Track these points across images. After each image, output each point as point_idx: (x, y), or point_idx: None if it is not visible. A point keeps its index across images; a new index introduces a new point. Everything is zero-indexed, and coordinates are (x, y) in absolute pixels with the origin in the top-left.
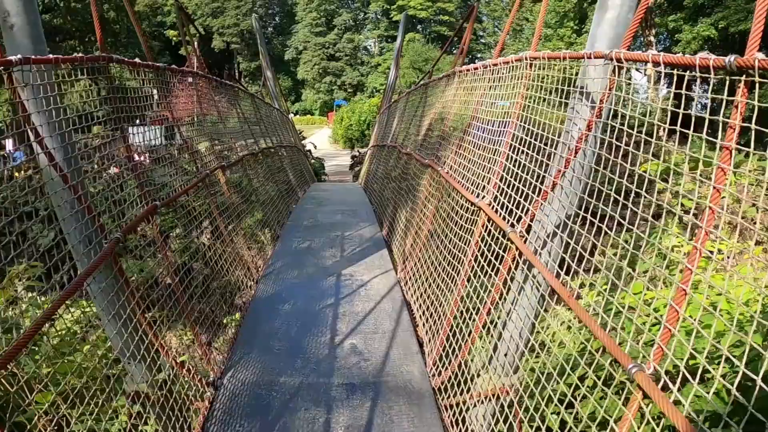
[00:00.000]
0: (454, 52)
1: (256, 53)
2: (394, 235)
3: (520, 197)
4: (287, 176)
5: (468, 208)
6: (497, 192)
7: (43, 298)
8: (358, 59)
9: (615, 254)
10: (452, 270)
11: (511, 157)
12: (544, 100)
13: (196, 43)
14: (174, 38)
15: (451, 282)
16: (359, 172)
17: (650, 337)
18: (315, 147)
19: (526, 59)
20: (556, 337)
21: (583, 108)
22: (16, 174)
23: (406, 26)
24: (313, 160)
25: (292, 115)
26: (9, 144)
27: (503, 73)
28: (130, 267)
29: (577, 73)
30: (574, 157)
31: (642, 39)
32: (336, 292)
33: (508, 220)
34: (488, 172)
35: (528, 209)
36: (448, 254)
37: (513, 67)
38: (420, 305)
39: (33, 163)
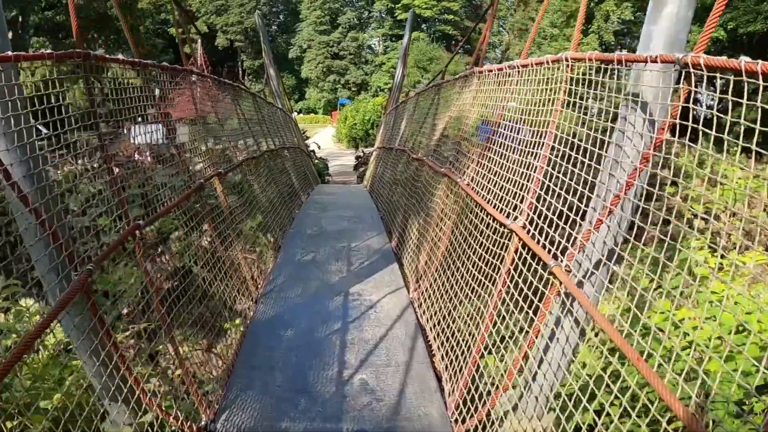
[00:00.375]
0: (460, 51)
1: (260, 51)
2: (405, 248)
3: (561, 220)
4: (290, 179)
5: (496, 228)
6: (532, 213)
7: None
8: (362, 58)
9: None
10: (477, 298)
11: (549, 172)
12: (587, 109)
13: (199, 41)
14: (178, 36)
15: (476, 313)
16: (364, 173)
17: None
18: (319, 147)
19: (565, 60)
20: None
21: (638, 119)
22: None
23: (413, 25)
24: (316, 161)
25: (295, 114)
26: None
27: (534, 76)
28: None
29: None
30: (636, 178)
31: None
32: (343, 314)
33: (548, 248)
34: (521, 189)
35: (573, 238)
36: (472, 279)
37: (548, 69)
38: (437, 333)
39: None
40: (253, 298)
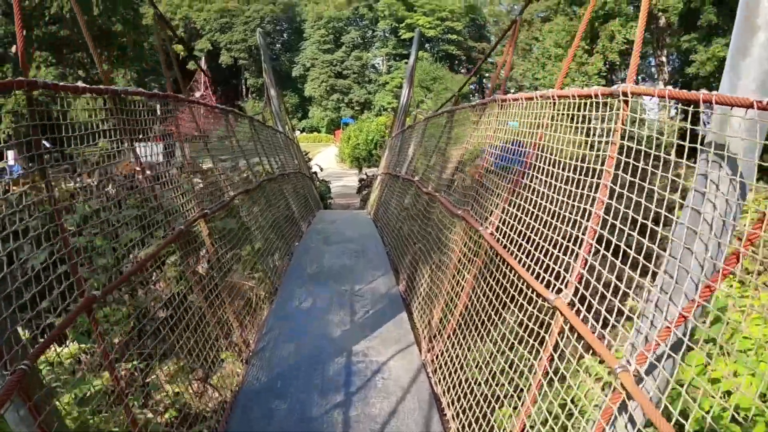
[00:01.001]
0: (462, 72)
1: (264, 69)
2: (415, 295)
3: (619, 299)
4: (289, 208)
5: (533, 299)
6: (579, 283)
7: None
8: (365, 77)
9: None
10: (505, 378)
11: (602, 235)
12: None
13: (202, 59)
14: (182, 53)
15: (508, 396)
16: (367, 196)
17: None
18: (321, 169)
19: (623, 95)
20: None
21: (723, 179)
22: (14, 188)
23: (420, 44)
24: (318, 183)
25: (298, 132)
26: (11, 156)
27: (576, 111)
28: None
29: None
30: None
31: (654, 60)
32: (346, 381)
33: (608, 339)
34: (566, 252)
35: (644, 335)
36: (499, 354)
37: (596, 104)
38: (457, 411)
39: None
40: (243, 358)
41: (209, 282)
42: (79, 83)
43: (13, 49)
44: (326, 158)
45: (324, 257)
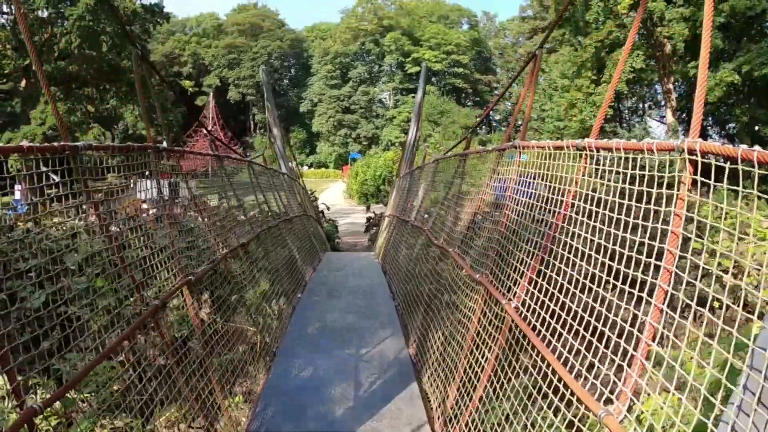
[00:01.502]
0: (469, 104)
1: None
2: (427, 362)
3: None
4: (292, 257)
5: (571, 401)
6: (636, 397)
7: None
8: (373, 112)
9: None
10: None
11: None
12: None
13: (211, 95)
14: (190, 88)
15: None
16: (375, 235)
17: None
18: (328, 208)
19: (688, 152)
20: None
21: None
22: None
23: (427, 78)
24: (326, 224)
25: (305, 167)
26: (17, 191)
27: (620, 167)
28: None
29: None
30: None
31: (661, 86)
32: None
33: None
34: (616, 351)
35: None
36: None
37: (650, 162)
38: None
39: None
40: None
41: (193, 361)
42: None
43: (23, 83)
44: (334, 194)
45: (328, 314)
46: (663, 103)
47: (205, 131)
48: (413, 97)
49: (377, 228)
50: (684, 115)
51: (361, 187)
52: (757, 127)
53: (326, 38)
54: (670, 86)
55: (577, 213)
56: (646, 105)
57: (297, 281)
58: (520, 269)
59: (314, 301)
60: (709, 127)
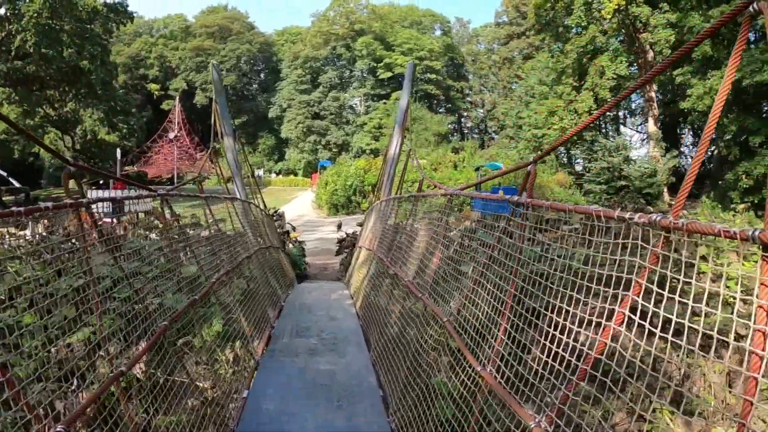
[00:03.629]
0: (441, 111)
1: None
2: None
3: None
4: (252, 310)
5: None
6: None
7: None
8: (343, 118)
9: None
10: None
11: None
12: None
13: (177, 98)
14: (156, 92)
15: None
16: (347, 260)
17: None
18: (294, 229)
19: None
20: None
21: None
22: None
23: (413, 81)
24: (292, 247)
25: (274, 175)
26: None
27: None
28: None
29: None
30: None
31: (643, 95)
32: None
33: None
34: None
35: None
36: None
37: None
38: None
39: None
40: None
41: None
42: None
43: None
44: (302, 204)
45: (290, 403)
46: (645, 110)
47: (170, 137)
48: (384, 103)
49: (349, 251)
50: (665, 122)
51: (330, 197)
52: (744, 137)
53: (297, 42)
54: (652, 94)
55: None
56: (620, 114)
57: (242, 371)
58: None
59: (268, 398)
60: (683, 134)
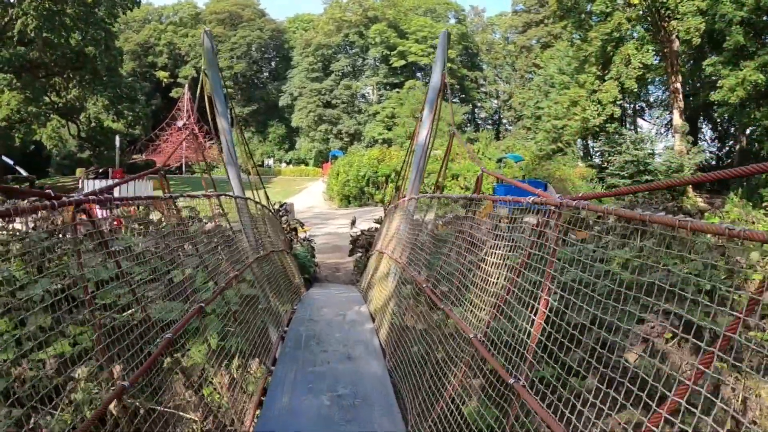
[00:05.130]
0: (455, 101)
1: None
2: None
3: None
4: (253, 329)
5: None
6: None
7: None
8: (355, 107)
9: None
10: None
11: None
12: None
13: (186, 86)
14: (165, 80)
15: None
16: (362, 264)
17: None
18: (302, 225)
19: None
20: None
21: None
22: None
23: (446, 51)
24: (300, 248)
25: (284, 164)
26: None
27: None
28: None
29: None
30: None
31: (667, 87)
32: None
33: None
34: None
35: None
36: None
37: None
38: None
39: None
40: None
41: None
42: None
43: None
44: (313, 195)
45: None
46: (671, 103)
47: (179, 125)
48: (398, 91)
49: (364, 252)
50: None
51: (342, 188)
52: None
53: (308, 29)
54: (677, 86)
55: None
56: (636, 105)
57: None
58: None
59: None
60: (703, 125)
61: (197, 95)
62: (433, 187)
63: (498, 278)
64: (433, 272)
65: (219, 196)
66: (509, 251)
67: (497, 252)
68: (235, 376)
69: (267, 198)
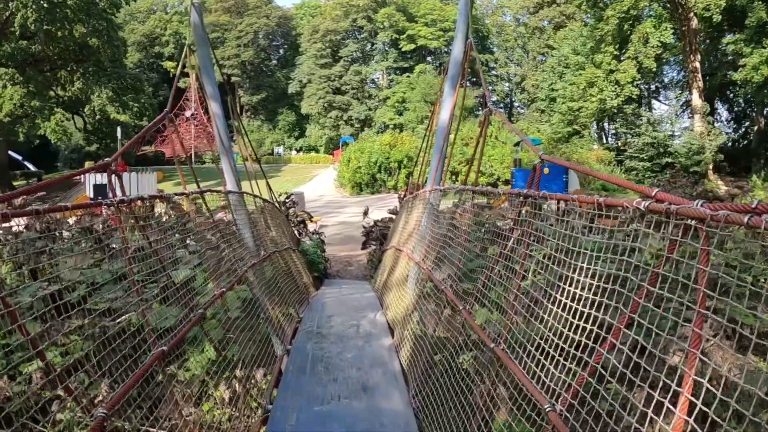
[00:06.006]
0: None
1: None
2: None
3: None
4: (252, 345)
5: None
6: None
7: None
8: (365, 93)
9: None
10: None
11: None
12: None
13: (192, 76)
14: (172, 70)
15: None
16: (376, 259)
17: None
18: (311, 217)
19: None
20: None
21: None
22: None
23: (468, 17)
24: (309, 243)
25: (294, 152)
26: None
27: None
28: None
29: None
30: None
31: (686, 66)
32: None
33: None
34: None
35: None
36: None
37: None
38: None
39: None
40: None
41: None
42: None
43: None
44: (323, 183)
45: None
46: (689, 82)
47: (187, 115)
48: (408, 76)
49: (378, 245)
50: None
51: (353, 175)
52: None
53: (316, 15)
54: (696, 64)
55: None
56: (651, 87)
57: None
58: None
59: None
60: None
61: (178, 74)
62: (449, 175)
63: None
64: (472, 287)
65: (203, 192)
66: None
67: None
68: (237, 389)
69: (270, 189)
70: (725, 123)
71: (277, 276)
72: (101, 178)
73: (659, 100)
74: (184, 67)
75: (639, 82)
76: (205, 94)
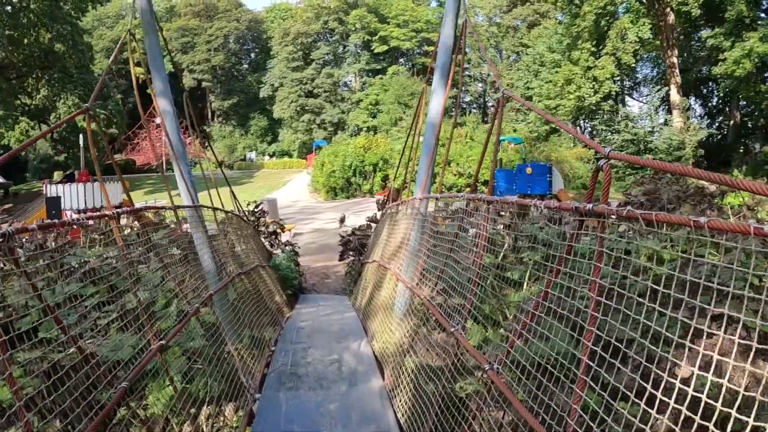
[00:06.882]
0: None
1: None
2: None
3: None
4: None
5: None
6: None
7: None
8: (338, 96)
9: None
10: None
11: None
12: None
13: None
14: (141, 76)
15: None
16: (356, 272)
17: None
18: (282, 230)
19: None
20: None
21: None
22: None
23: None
24: (282, 256)
25: (267, 157)
26: None
27: None
28: None
29: None
30: None
31: (663, 61)
32: None
33: None
34: None
35: None
36: None
37: None
38: None
39: None
40: None
41: None
42: None
43: None
44: (297, 188)
45: None
46: (667, 78)
47: (157, 122)
48: (381, 78)
49: (357, 255)
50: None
51: (328, 179)
52: None
53: (287, 18)
54: (674, 59)
55: None
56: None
57: None
58: None
59: None
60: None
61: (109, 64)
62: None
63: None
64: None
65: (145, 209)
66: None
67: None
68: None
69: (235, 198)
70: (699, 119)
71: (244, 303)
72: (55, 191)
73: (633, 98)
74: (119, 56)
75: (616, 79)
76: (152, 90)
